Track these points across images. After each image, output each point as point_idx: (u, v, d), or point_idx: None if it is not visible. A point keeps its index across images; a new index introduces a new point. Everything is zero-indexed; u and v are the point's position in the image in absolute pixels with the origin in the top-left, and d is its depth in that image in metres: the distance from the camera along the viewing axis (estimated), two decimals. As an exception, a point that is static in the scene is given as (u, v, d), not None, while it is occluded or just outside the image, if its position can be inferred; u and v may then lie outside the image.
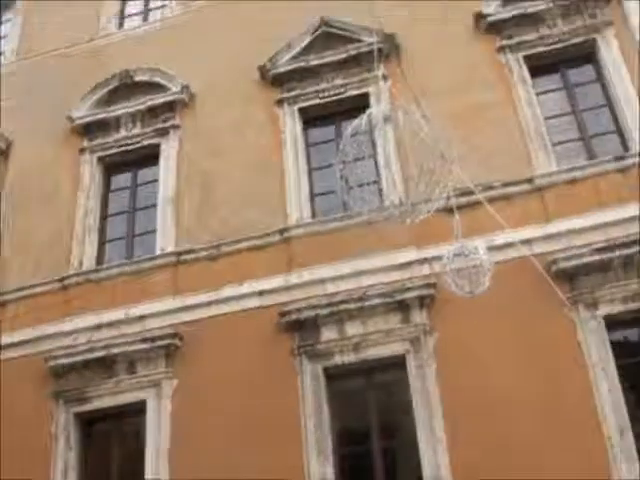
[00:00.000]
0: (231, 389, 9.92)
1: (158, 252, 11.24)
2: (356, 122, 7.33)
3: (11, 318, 11.36)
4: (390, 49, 11.89)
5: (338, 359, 9.81)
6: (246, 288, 10.56)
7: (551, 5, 11.58)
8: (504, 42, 11.64)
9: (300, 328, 10.06)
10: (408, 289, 9.91)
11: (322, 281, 10.32)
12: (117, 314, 10.80)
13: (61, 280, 11.37)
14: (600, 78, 11.26)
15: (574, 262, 9.49)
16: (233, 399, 9.85)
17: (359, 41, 12.06)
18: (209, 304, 10.63)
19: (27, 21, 14.98)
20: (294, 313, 10.09)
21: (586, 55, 11.50)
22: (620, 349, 9.17)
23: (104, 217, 12.14)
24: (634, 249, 9.37)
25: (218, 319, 10.48)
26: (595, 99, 11.16)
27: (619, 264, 9.40)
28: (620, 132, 10.67)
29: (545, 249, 9.73)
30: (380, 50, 11.52)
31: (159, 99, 12.54)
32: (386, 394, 9.99)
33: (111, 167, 12.55)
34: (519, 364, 9.13)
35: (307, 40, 12.45)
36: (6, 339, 11.11)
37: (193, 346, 10.32)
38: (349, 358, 9.78)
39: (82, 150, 12.53)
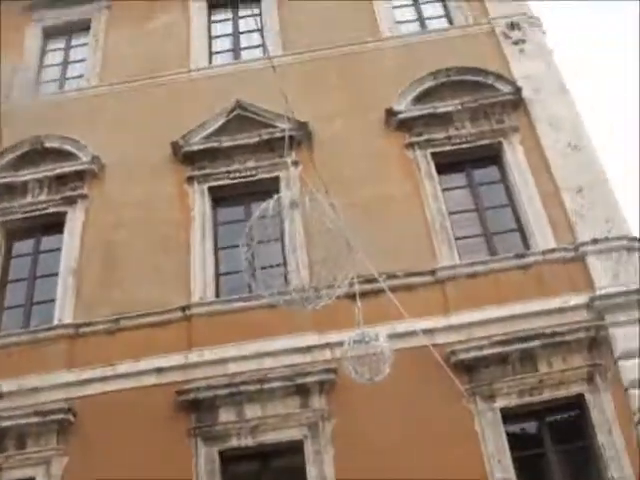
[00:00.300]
0: (124, 469, 9.53)
1: (56, 322, 10.92)
2: (264, 205, 7.47)
3: None
4: (302, 137, 12.18)
5: (235, 442, 9.68)
6: (144, 365, 10.35)
7: (460, 108, 12.15)
8: (413, 139, 12.08)
9: (197, 408, 9.89)
10: (308, 373, 9.93)
11: (223, 361, 10.23)
12: (10, 385, 10.34)
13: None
14: (504, 179, 11.79)
15: (473, 354, 9.74)
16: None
17: (272, 126, 12.29)
18: (105, 379, 10.34)
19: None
20: (192, 393, 9.92)
21: (492, 157, 12.04)
22: (516, 441, 9.38)
23: (4, 284, 11.79)
24: (532, 344, 9.71)
25: (114, 395, 10.17)
26: (498, 198, 11.65)
27: (517, 358, 9.70)
28: (522, 231, 11.14)
29: (445, 340, 9.95)
30: (292, 137, 11.78)
31: (68, 167, 12.40)
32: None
33: (14, 233, 12.24)
34: (417, 452, 9.18)
35: (221, 121, 12.63)
36: None
37: (87, 422, 9.98)
38: (246, 441, 9.66)
39: (-16, 215, 12.23)
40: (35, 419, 9.94)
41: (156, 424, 9.82)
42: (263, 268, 7.41)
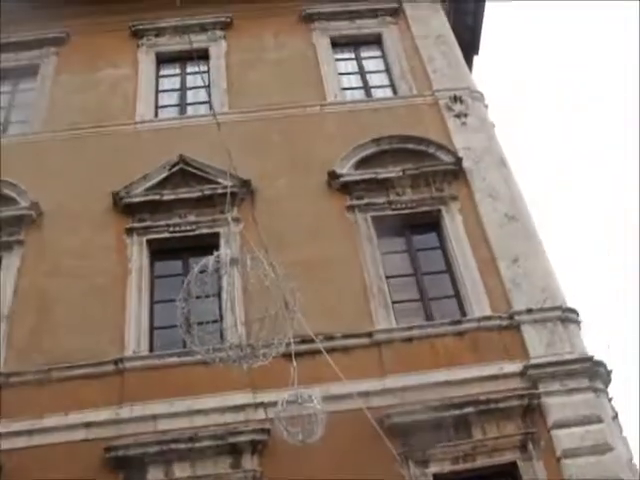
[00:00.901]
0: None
1: (-10, 372, 10.59)
2: (203, 261, 7.46)
3: None
4: (245, 194, 12.27)
5: (162, 502, 9.45)
6: (72, 419, 10.07)
7: (401, 174, 12.40)
8: (354, 202, 12.26)
9: (126, 466, 9.65)
10: (240, 432, 9.82)
11: (153, 417, 10.04)
12: None
13: None
14: (442, 246, 12.00)
15: (407, 418, 9.76)
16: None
17: (215, 182, 12.33)
18: (32, 432, 10.00)
19: None
20: (121, 450, 9.69)
21: (431, 223, 12.26)
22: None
23: None
24: (466, 410, 9.78)
25: (42, 449, 9.84)
26: (437, 264, 11.84)
27: (451, 423, 9.77)
28: (458, 297, 11.31)
29: (380, 403, 9.96)
30: (234, 194, 11.84)
31: (6, 212, 12.16)
32: None
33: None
34: (347, 518, 9.08)
35: (164, 174, 12.62)
36: None
37: (13, 476, 9.58)
38: (174, 502, 9.44)
39: None
40: None
41: (74, 481, 9.53)
42: (199, 324, 7.37)
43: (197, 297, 7.45)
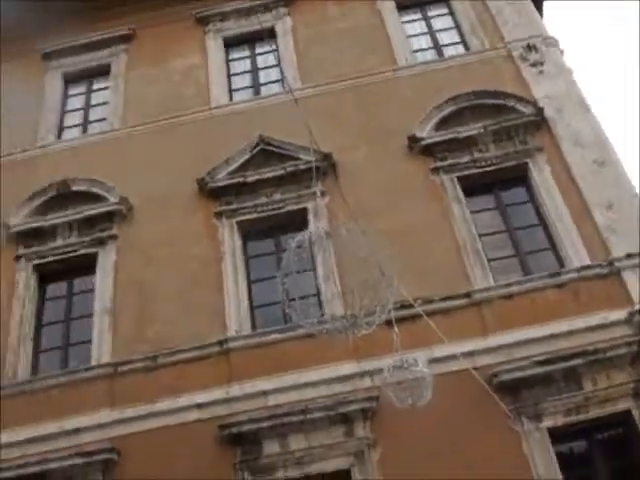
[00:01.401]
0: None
1: (94, 363, 10.96)
2: (299, 237, 7.52)
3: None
4: (327, 167, 12.25)
5: (281, 474, 9.64)
6: (184, 401, 10.35)
7: (482, 131, 12.22)
8: (438, 163, 12.14)
9: (241, 442, 9.87)
10: (350, 402, 9.91)
11: (263, 393, 10.22)
12: (51, 427, 10.37)
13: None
14: (532, 198, 11.82)
15: (516, 375, 9.70)
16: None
17: (297, 159, 12.38)
18: (145, 417, 10.33)
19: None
20: (235, 426, 9.91)
21: (519, 178, 12.06)
22: (566, 461, 9.29)
23: (39, 326, 11.83)
24: (574, 362, 9.67)
25: (156, 433, 10.16)
26: (528, 218, 11.66)
27: (560, 377, 9.66)
28: (555, 249, 11.14)
29: (486, 362, 9.92)
30: (317, 168, 11.79)
31: (97, 209, 12.49)
32: (332, 510, 9.80)
33: (47, 275, 12.30)
34: (464, 477, 9.09)
35: (246, 156, 12.72)
36: None
37: (131, 461, 9.95)
38: (293, 473, 9.62)
39: (18, 258, 12.29)
40: (79, 460, 9.96)
41: (201, 459, 9.81)
42: (300, 298, 7.45)
43: (295, 272, 7.52)
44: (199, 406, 10.26)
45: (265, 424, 9.85)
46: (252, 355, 10.59)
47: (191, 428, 10.14)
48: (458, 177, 11.96)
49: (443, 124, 12.57)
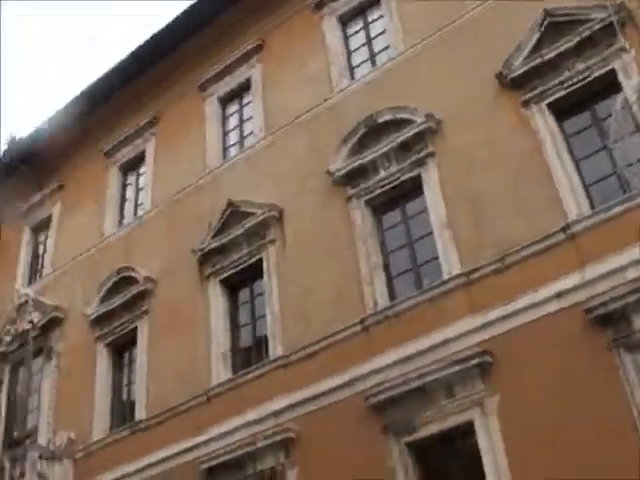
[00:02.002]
0: (550, 395, 9.77)
1: (445, 277, 11.38)
2: (620, 98, 7.12)
3: (319, 367, 12.05)
4: (625, 19, 11.36)
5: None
6: (543, 293, 10.37)
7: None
8: None
9: (609, 322, 9.67)
10: None
11: (621, 269, 9.85)
12: (421, 344, 11.04)
13: (362, 322, 11.85)
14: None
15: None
16: (555, 404, 9.68)
17: (588, 20, 11.67)
18: (506, 318, 10.55)
19: (266, 100, 15.97)
20: (599, 308, 9.73)
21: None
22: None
23: (385, 255, 12.50)
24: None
25: (520, 330, 10.36)
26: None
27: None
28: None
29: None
30: (617, 21, 11.08)
31: (407, 133, 12.74)
32: None
33: (379, 208, 12.92)
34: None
35: (536, 36, 12.21)
36: (322, 387, 11.83)
37: (502, 361, 10.29)
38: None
39: (349, 198, 13.04)
40: (456, 368, 10.48)
41: (568, 346, 9.83)
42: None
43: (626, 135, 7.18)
44: (558, 295, 10.21)
45: (631, 299, 9.56)
46: (599, 234, 10.29)
47: (554, 318, 10.15)
48: None
49: None
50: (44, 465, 14.77)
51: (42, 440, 15.98)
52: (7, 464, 14.83)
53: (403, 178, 12.64)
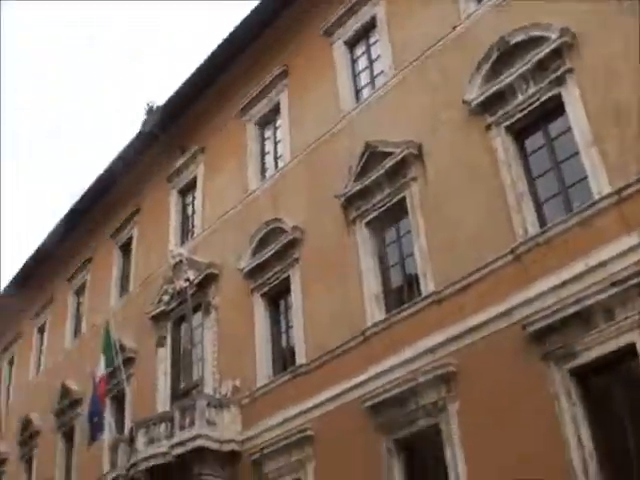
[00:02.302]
0: None
1: (596, 197, 10.94)
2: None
3: (473, 300, 12.00)
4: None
5: None
6: None
7: None
8: None
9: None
10: None
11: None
12: (575, 268, 10.73)
13: (512, 251, 11.67)
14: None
15: None
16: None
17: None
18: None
19: (393, 37, 15.71)
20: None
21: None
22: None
23: (531, 181, 12.16)
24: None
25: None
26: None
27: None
28: None
29: None
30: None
31: (542, 52, 12.21)
32: None
33: (520, 132, 12.53)
34: None
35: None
36: (477, 319, 11.79)
37: None
38: None
39: (488, 126, 12.72)
40: (615, 289, 10.14)
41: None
42: None
43: None
44: None
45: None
46: None
47: None
48: None
49: None
50: (212, 412, 15.54)
51: (208, 389, 16.82)
52: (177, 414, 15.68)
53: (543, 99, 12.17)
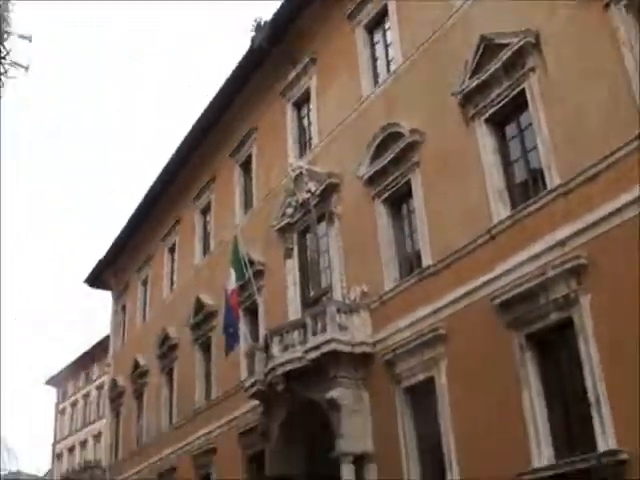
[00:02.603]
0: None
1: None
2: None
3: (602, 190, 11.61)
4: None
5: None
6: None
7: None
8: None
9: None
10: None
11: None
12: None
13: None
14: None
15: None
16: None
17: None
18: None
19: None
20: None
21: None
22: None
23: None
24: None
25: None
26: None
27: None
28: None
29: None
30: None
31: None
32: None
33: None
34: None
35: None
36: (607, 209, 11.46)
37: None
38: None
39: (606, 5, 11.90)
40: None
41: None
42: None
43: None
44: None
45: None
46: None
47: None
48: None
49: None
50: (343, 317, 15.90)
51: (337, 296, 17.20)
52: (309, 320, 16.15)
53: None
